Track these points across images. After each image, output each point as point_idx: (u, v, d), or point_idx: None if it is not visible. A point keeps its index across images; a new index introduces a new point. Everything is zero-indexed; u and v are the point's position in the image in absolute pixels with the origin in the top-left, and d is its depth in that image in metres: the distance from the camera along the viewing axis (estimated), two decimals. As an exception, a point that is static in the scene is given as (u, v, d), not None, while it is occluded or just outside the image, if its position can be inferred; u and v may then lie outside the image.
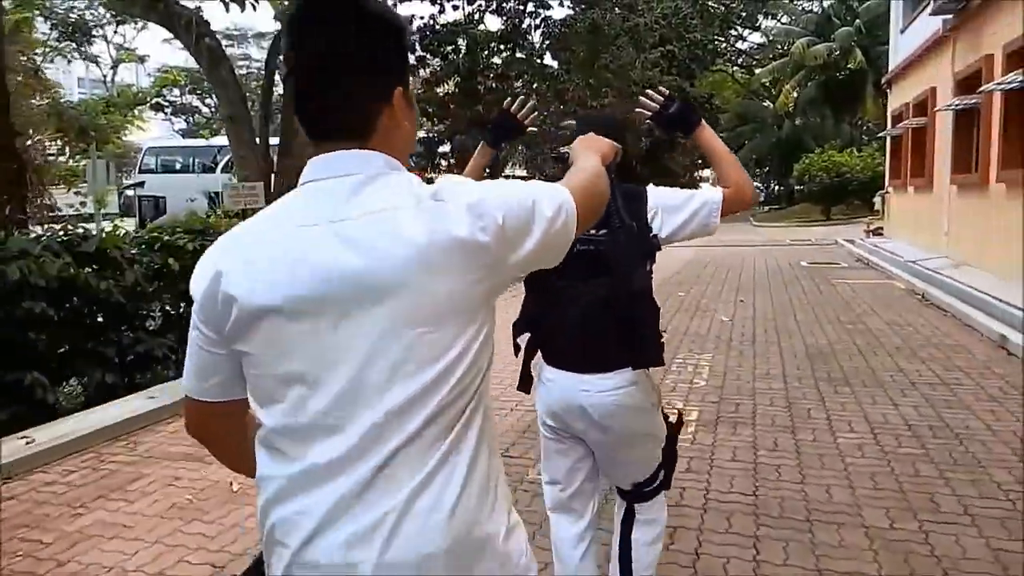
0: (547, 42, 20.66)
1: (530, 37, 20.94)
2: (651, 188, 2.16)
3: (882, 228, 18.63)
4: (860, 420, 4.81)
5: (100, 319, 5.97)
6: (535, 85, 15.92)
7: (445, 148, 20.71)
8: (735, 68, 47.29)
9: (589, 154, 1.48)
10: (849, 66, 28.58)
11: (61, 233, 6.00)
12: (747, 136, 40.90)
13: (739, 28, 36.98)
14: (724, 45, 36.06)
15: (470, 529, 1.06)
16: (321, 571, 1.03)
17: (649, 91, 2.27)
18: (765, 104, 40.61)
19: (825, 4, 32.17)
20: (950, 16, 11.96)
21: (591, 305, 2.02)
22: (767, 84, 38.21)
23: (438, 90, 20.93)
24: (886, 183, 18.21)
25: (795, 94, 30.99)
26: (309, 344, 1.03)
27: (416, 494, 1.03)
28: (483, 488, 1.09)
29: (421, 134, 21.26)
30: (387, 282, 1.01)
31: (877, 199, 18.78)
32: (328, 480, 1.03)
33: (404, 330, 1.02)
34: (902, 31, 17.31)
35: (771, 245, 19.85)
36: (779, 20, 36.70)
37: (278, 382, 1.06)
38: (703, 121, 2.20)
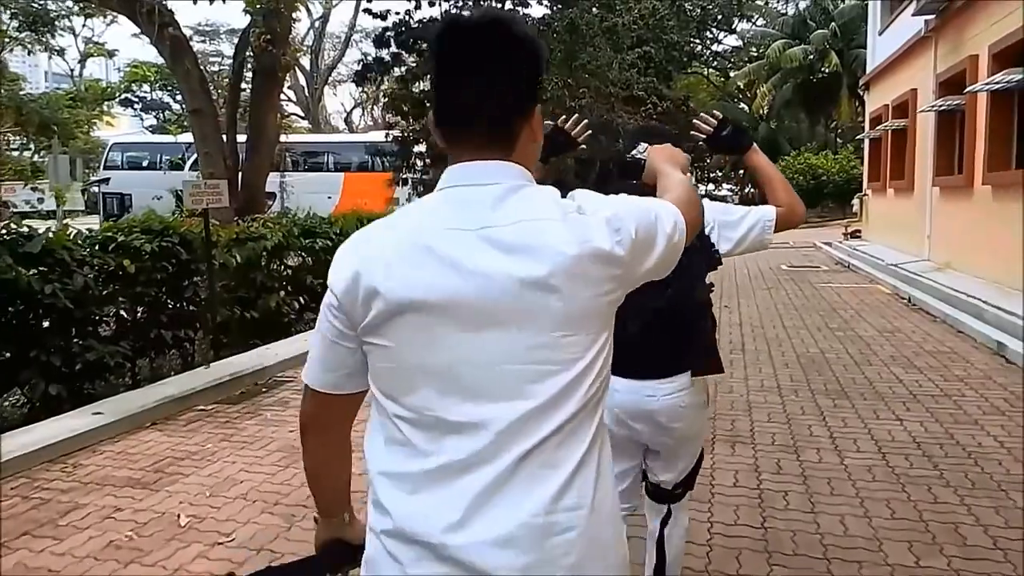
0: (524, 40, 20.14)
1: (507, 35, 20.40)
2: (706, 202, 2.06)
3: (860, 231, 18.57)
4: (865, 438, 4.50)
5: (45, 325, 5.49)
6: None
7: (421, 148, 20.22)
8: (710, 70, 47.46)
9: (674, 167, 1.52)
10: (825, 69, 28.63)
11: (3, 232, 5.51)
12: (723, 138, 41.02)
13: (714, 30, 36.97)
14: (700, 47, 35.99)
15: (606, 525, 1.11)
16: (465, 570, 1.03)
17: (703, 114, 2.30)
18: (741, 107, 40.73)
19: (801, 7, 32.19)
20: (932, 16, 11.82)
21: (655, 315, 2.00)
22: (742, 87, 38.27)
23: (414, 88, 20.45)
24: (864, 186, 18.11)
25: (771, 96, 30.93)
26: (451, 340, 1.07)
27: (560, 493, 1.06)
28: (609, 486, 1.15)
29: (395, 133, 20.74)
30: (535, 287, 1.06)
31: (855, 202, 18.69)
32: (465, 475, 1.05)
33: (548, 333, 1.07)
34: (880, 33, 17.24)
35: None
36: (755, 23, 36.77)
37: (416, 376, 1.09)
38: (754, 144, 2.27)
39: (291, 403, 5.46)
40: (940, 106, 11.44)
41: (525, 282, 1.05)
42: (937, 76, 11.84)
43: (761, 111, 31.89)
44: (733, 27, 37.77)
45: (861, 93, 18.45)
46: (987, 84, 8.92)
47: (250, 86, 12.20)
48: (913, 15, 12.00)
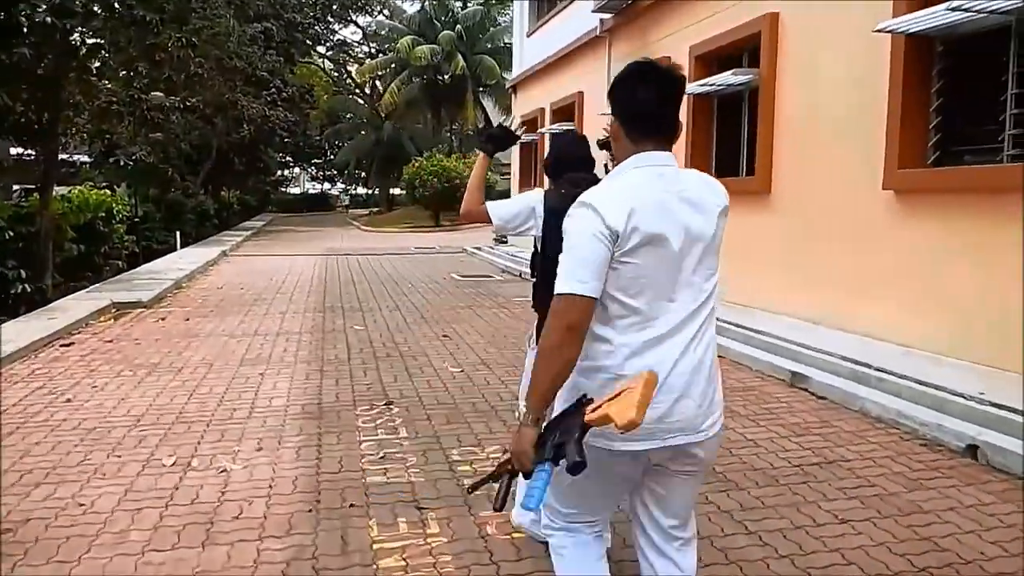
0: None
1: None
2: None
3: (506, 236, 18.18)
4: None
5: None
6: (110, 35, 11.39)
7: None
8: (324, 60, 45.20)
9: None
10: (452, 71, 28.49)
11: None
12: (347, 135, 39.12)
13: (332, 19, 34.86)
14: (324, 31, 33.49)
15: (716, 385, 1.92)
16: (671, 387, 1.79)
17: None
18: (360, 104, 39.30)
19: (426, 5, 31.86)
20: (609, 16, 11.33)
21: None
22: (363, 81, 36.81)
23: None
24: (516, 189, 17.75)
25: (398, 93, 29.94)
26: (669, 259, 1.79)
27: (711, 359, 1.87)
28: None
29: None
30: (708, 227, 1.84)
31: (507, 206, 18.23)
32: (668, 339, 1.80)
33: (710, 255, 1.86)
34: (528, 35, 16.93)
35: (399, 253, 18.03)
36: (378, 15, 35.45)
37: (649, 280, 1.78)
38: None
39: None
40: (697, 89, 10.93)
41: (704, 225, 1.83)
42: (611, 77, 11.32)
43: (389, 109, 30.65)
44: (352, 19, 36.06)
45: (509, 94, 18.05)
46: (704, 84, 8.30)
47: None
48: (593, 11, 11.33)
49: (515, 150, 17.85)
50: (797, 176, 7.19)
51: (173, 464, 3.92)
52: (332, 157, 44.21)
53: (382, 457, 4.04)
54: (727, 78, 7.97)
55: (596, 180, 2.31)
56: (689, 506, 2.03)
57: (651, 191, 1.77)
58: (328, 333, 7.61)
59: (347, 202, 56.51)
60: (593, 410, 1.68)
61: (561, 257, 1.75)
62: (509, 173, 31.60)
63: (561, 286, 1.72)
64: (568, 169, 2.93)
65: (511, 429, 3.56)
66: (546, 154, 3.25)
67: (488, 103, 31.28)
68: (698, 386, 1.81)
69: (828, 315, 6.57)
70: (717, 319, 1.95)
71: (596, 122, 12.21)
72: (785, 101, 7.34)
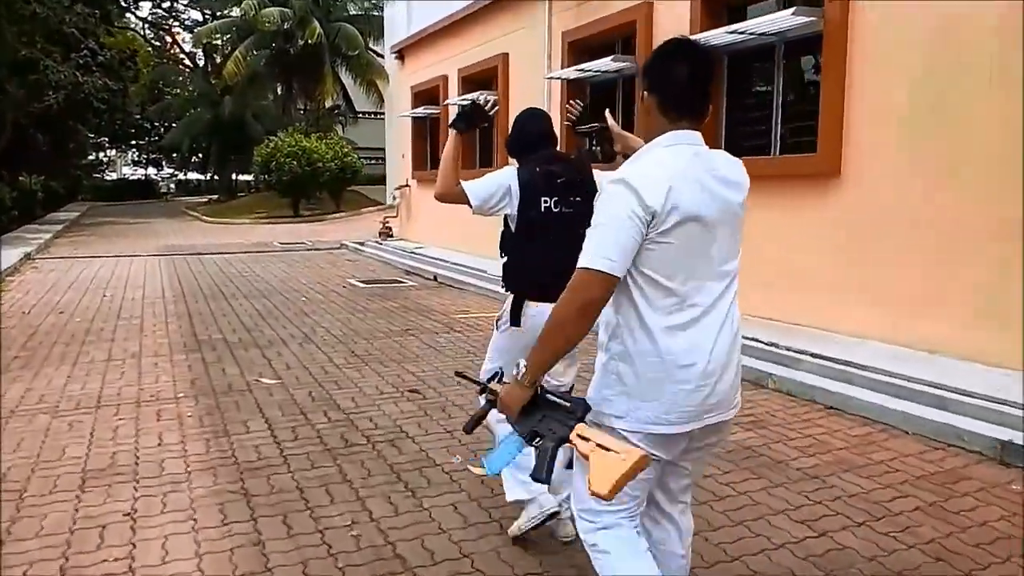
0: None
1: None
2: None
3: (391, 229, 15.52)
4: None
5: None
6: None
7: None
8: (146, 26, 39.42)
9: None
10: (307, 38, 24.94)
11: None
12: (178, 111, 34.06)
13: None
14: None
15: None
16: (708, 368, 1.77)
17: (572, 102, 2.87)
18: (195, 76, 34.43)
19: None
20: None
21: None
22: (196, 50, 32.22)
23: None
24: (409, 176, 15.00)
25: (244, 63, 25.87)
26: (704, 238, 1.75)
27: (739, 338, 1.86)
28: None
29: None
30: (739, 207, 1.84)
31: (395, 194, 15.47)
32: (705, 319, 1.77)
33: (737, 232, 1.85)
34: (418, -9, 14.28)
35: (262, 251, 14.84)
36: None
37: (685, 260, 1.74)
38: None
39: None
40: (574, 74, 8.76)
41: (736, 205, 1.83)
42: (564, 35, 9.12)
43: (231, 82, 26.50)
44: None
45: (395, 60, 15.20)
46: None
47: None
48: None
49: (403, 128, 15.16)
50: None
51: None
52: (158, 138, 38.63)
53: None
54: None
55: (569, 158, 2.86)
56: (699, 475, 2.22)
57: (689, 169, 1.76)
58: (223, 396, 4.81)
59: (174, 189, 50.41)
60: (585, 439, 1.72)
61: (590, 232, 1.73)
62: (378, 159, 28.67)
63: (586, 260, 1.70)
64: (531, 146, 2.90)
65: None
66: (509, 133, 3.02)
67: (347, 79, 27.94)
68: (732, 365, 1.84)
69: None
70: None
71: (525, 92, 9.94)
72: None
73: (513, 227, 2.81)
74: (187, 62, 36.56)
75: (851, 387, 4.64)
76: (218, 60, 32.35)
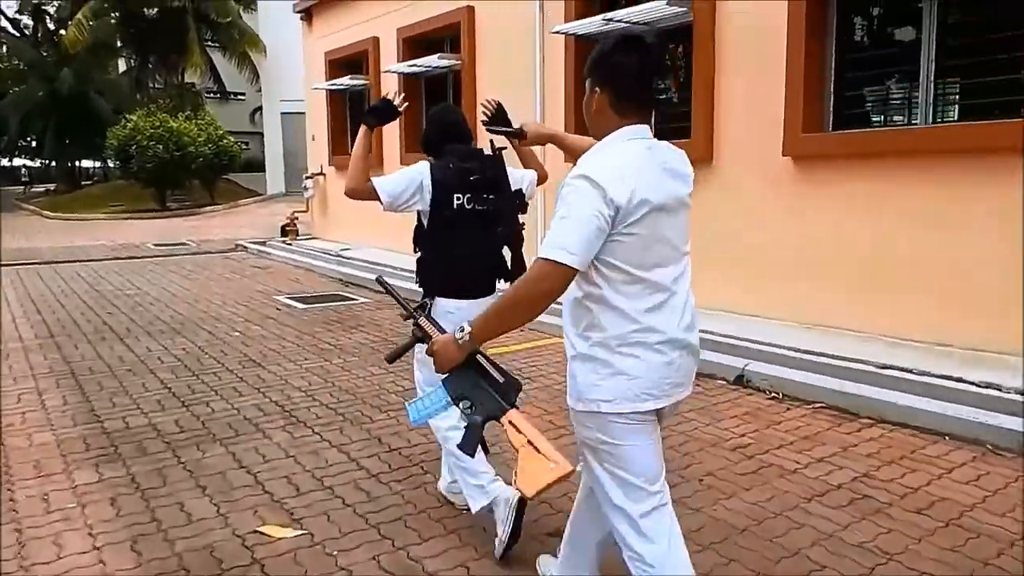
0: None
1: None
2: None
3: (297, 229, 12.92)
4: None
5: None
6: None
7: None
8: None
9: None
10: (164, 2, 21.31)
11: None
12: (0, 86, 28.73)
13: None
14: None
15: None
16: (678, 343, 1.81)
17: (487, 100, 2.85)
18: (21, 41, 29.22)
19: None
20: None
21: (489, 247, 2.76)
22: (29, 13, 27.35)
23: None
24: (326, 161, 12.38)
25: (85, 33, 21.74)
26: (665, 226, 1.79)
27: (695, 311, 1.90)
28: None
29: None
30: (687, 196, 1.87)
31: (308, 184, 12.81)
32: (670, 302, 1.82)
33: (687, 220, 1.88)
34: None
35: (135, 257, 11.89)
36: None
37: (651, 249, 1.77)
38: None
39: None
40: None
41: (685, 194, 1.87)
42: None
43: (74, 50, 22.27)
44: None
45: (302, 22, 12.48)
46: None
47: None
48: None
49: (316, 104, 12.54)
50: None
51: None
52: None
53: None
54: None
55: (483, 154, 2.80)
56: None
57: (647, 163, 1.80)
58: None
59: (-3, 178, 43.51)
60: (517, 429, 1.81)
61: (553, 223, 1.73)
62: (247, 143, 25.24)
63: (548, 251, 1.70)
64: (448, 142, 2.84)
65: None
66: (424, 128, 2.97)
67: (217, 55, 24.35)
68: (695, 343, 1.88)
69: None
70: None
71: (505, 56, 7.88)
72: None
73: (426, 223, 2.78)
74: (10, 29, 31.02)
75: None
76: (51, 26, 27.55)
